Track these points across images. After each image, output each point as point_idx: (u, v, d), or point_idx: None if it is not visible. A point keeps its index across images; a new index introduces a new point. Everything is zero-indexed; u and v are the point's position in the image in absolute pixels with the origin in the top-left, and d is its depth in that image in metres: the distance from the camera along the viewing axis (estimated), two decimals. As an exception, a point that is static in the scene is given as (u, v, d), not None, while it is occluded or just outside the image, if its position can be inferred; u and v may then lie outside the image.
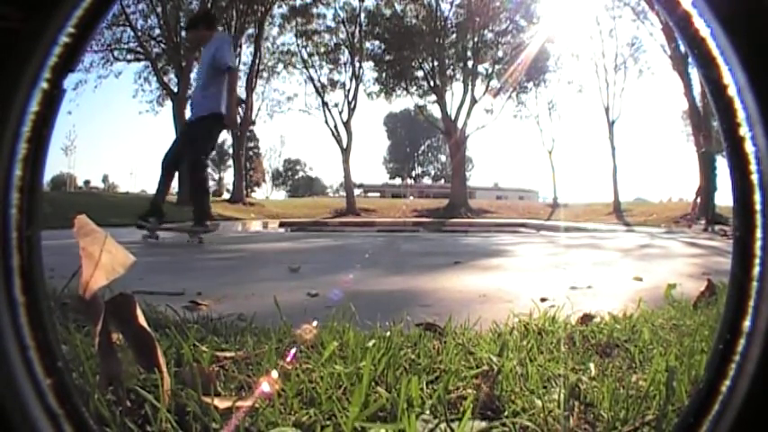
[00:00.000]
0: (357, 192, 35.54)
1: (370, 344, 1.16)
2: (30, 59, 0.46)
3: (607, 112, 24.41)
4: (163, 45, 22.46)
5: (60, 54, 0.46)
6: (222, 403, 0.81)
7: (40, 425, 0.45)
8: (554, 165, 28.24)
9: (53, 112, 0.47)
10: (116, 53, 22.63)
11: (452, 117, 24.98)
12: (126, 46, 22.67)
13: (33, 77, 0.46)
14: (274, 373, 0.97)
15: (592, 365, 1.15)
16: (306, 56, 26.40)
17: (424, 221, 18.60)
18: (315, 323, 1.32)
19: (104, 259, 0.80)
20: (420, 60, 25.45)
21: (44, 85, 0.46)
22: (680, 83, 19.60)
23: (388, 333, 1.24)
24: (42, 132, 0.46)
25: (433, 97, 25.91)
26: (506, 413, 0.91)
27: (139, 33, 22.23)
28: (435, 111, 27.33)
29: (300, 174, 62.21)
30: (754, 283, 0.43)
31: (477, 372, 1.07)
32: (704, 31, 0.44)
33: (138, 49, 22.53)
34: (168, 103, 22.37)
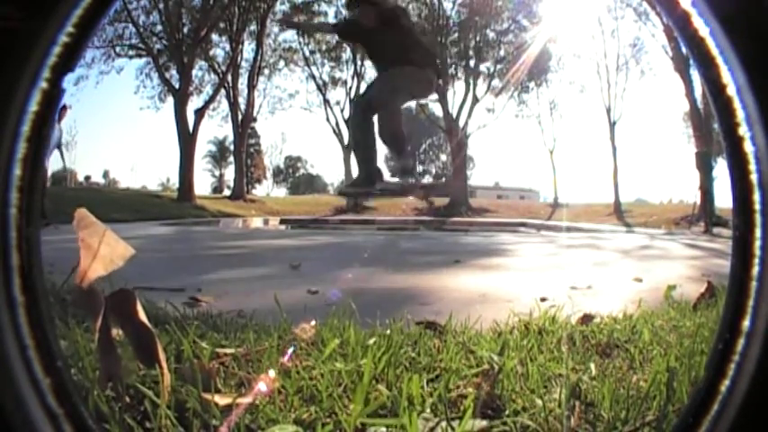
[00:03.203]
0: (358, 190, 35.43)
1: (371, 342, 1.16)
2: (30, 59, 0.46)
3: (608, 113, 24.30)
4: (165, 41, 22.41)
5: (60, 54, 0.46)
6: (222, 400, 0.81)
7: (40, 424, 0.45)
8: (555, 164, 28.11)
9: (52, 112, 0.47)
10: (118, 49, 22.59)
11: (454, 116, 24.93)
12: (128, 42, 22.65)
13: (33, 77, 0.45)
14: (275, 371, 0.97)
15: (592, 365, 1.15)
16: (307, 53, 26.38)
17: (424, 220, 18.58)
18: (313, 322, 1.32)
19: (103, 251, 0.80)
20: (422, 59, 25.38)
21: (44, 84, 0.46)
22: (681, 84, 19.54)
23: (389, 331, 1.24)
24: (42, 132, 0.46)
25: (435, 96, 25.87)
26: (507, 412, 0.91)
27: (141, 30, 22.19)
28: (437, 109, 27.25)
29: (301, 171, 62.06)
30: (754, 283, 0.43)
31: (477, 371, 1.07)
32: (703, 31, 0.44)
33: (140, 45, 22.48)
34: (170, 100, 22.33)
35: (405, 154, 5.04)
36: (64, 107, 9.36)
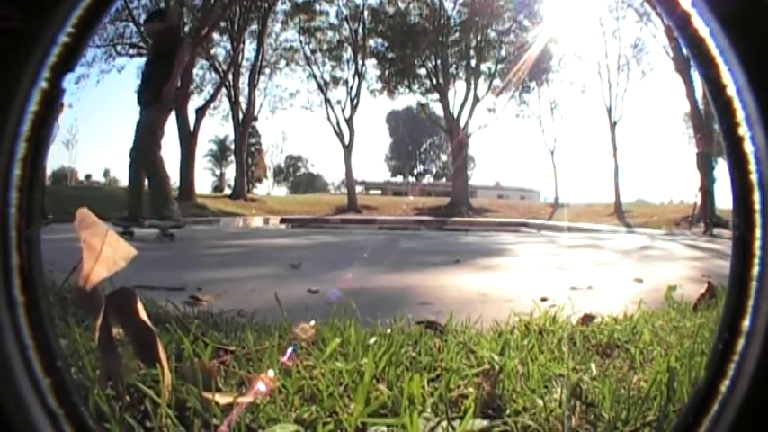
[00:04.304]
0: (358, 189, 35.52)
1: (372, 341, 1.16)
2: (30, 59, 0.46)
3: (609, 113, 24.35)
4: (166, 41, 22.42)
5: (60, 54, 0.46)
6: (223, 399, 0.81)
7: (40, 425, 0.45)
8: (556, 165, 28.20)
9: (52, 112, 0.47)
10: (119, 48, 22.67)
11: (455, 116, 24.97)
12: (129, 41, 22.70)
13: (33, 77, 0.45)
14: (275, 370, 0.97)
15: (593, 366, 1.15)
16: (308, 53, 26.42)
17: (425, 219, 18.59)
18: (313, 322, 1.32)
19: (106, 252, 0.80)
20: (423, 58, 25.42)
21: (44, 84, 0.46)
22: (682, 85, 19.56)
23: (389, 331, 1.24)
24: (41, 132, 0.46)
25: (436, 95, 25.92)
26: (508, 412, 0.91)
27: (142, 29, 22.22)
28: (438, 109, 27.31)
29: (302, 170, 62.16)
30: (754, 283, 0.43)
31: (478, 370, 1.07)
32: (703, 31, 0.44)
33: (141, 44, 22.51)
34: (170, 99, 22.34)
35: (163, 202, 5.43)
36: (60, 104, 9.32)
